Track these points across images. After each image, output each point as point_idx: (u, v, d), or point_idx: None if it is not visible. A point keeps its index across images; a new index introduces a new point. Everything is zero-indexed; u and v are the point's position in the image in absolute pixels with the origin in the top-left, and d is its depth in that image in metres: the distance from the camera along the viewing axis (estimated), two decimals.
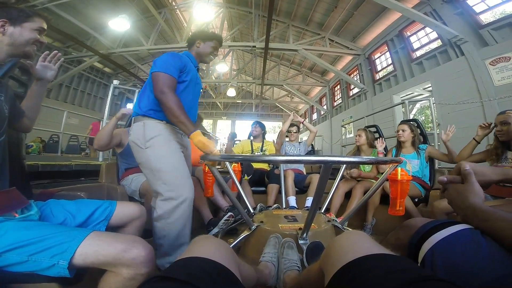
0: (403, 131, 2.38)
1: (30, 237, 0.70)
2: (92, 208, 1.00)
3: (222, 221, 1.80)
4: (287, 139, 3.16)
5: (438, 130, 4.14)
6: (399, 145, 2.45)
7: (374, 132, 2.93)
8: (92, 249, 0.71)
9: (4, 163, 0.87)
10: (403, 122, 2.51)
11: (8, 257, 0.68)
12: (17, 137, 1.17)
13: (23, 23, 0.92)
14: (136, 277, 0.73)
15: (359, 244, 0.54)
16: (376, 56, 8.17)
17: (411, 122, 2.54)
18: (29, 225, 0.76)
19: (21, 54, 0.94)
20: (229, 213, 1.85)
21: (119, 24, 6.70)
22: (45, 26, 0.99)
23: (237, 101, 16.23)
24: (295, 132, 3.10)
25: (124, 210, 1.06)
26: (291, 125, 3.12)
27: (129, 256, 0.71)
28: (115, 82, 4.07)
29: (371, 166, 2.56)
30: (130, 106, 12.46)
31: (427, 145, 2.37)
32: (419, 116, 11.40)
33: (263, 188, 2.79)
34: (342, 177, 2.32)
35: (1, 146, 0.86)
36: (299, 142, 3.17)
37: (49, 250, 0.69)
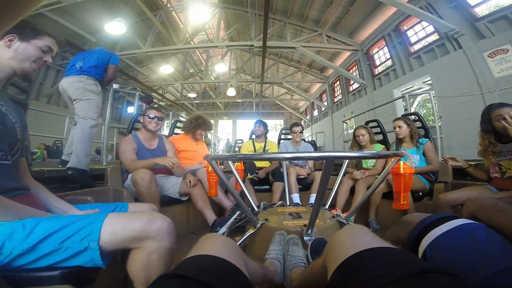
0: (399, 127, 2.38)
1: (56, 225, 0.74)
2: (109, 210, 1.06)
3: (231, 220, 1.82)
4: (290, 137, 3.11)
5: (439, 122, 4.13)
6: (399, 141, 2.45)
7: (375, 126, 2.93)
8: (118, 225, 0.75)
9: (19, 177, 0.93)
10: (398, 118, 2.49)
11: (42, 247, 0.71)
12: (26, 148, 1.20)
13: (32, 40, 0.94)
14: (159, 250, 0.77)
15: (359, 238, 0.55)
16: (374, 51, 8.13)
17: (412, 116, 2.54)
18: (52, 217, 0.81)
19: (18, 71, 0.94)
20: (238, 212, 1.87)
21: (115, 28, 6.69)
22: (54, 46, 1.00)
23: (238, 101, 16.23)
24: (300, 132, 2.99)
25: (136, 210, 1.11)
26: (296, 124, 3.07)
27: (153, 227, 0.76)
28: (115, 86, 4.07)
29: (374, 161, 2.56)
30: (131, 109, 12.47)
31: (427, 140, 2.36)
32: (421, 110, 11.36)
33: (267, 187, 2.80)
34: (346, 172, 2.32)
35: (15, 164, 0.90)
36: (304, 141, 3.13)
37: (77, 234, 0.73)
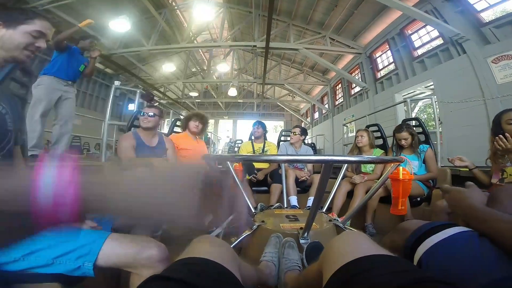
0: (405, 140, 2.34)
1: (50, 239, 0.72)
2: None
3: (227, 221, 1.80)
4: (288, 139, 3.11)
5: (440, 128, 4.12)
6: (398, 148, 2.43)
7: (376, 131, 2.92)
8: (113, 251, 0.74)
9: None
10: (401, 128, 2.39)
11: (31, 260, 0.69)
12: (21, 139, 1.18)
13: (19, 26, 0.86)
14: None
15: (357, 245, 0.54)
16: (377, 55, 8.13)
17: (410, 122, 2.52)
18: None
19: (9, 59, 0.88)
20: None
21: (120, 25, 6.72)
22: (47, 30, 0.92)
23: (239, 101, 16.24)
24: (297, 134, 2.95)
25: None
26: (295, 126, 3.07)
27: (144, 256, 0.75)
28: (117, 83, 4.07)
29: (373, 166, 2.54)
30: (131, 106, 12.48)
31: (428, 146, 2.34)
32: (422, 115, 11.35)
33: (265, 188, 2.79)
34: (344, 176, 2.31)
35: (7, 157, 0.86)
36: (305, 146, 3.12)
37: (73, 253, 0.71)
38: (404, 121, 2.59)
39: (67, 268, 0.71)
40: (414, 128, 2.44)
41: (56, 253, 0.71)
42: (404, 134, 2.35)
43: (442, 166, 2.52)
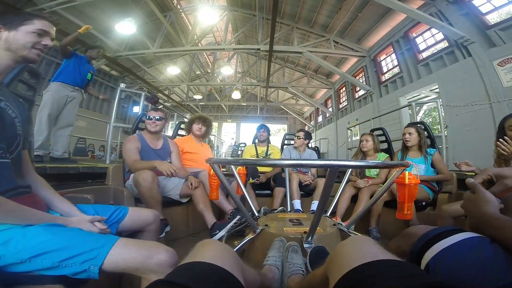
0: (410, 134, 2.34)
1: (59, 243, 0.72)
2: (109, 212, 1.05)
3: (231, 224, 1.80)
4: (292, 143, 3.11)
5: (446, 132, 4.08)
6: (405, 149, 2.41)
7: (381, 135, 2.90)
8: (120, 256, 0.73)
9: (22, 172, 0.91)
10: (410, 125, 2.46)
11: (37, 262, 0.69)
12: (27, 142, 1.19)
13: (19, 27, 0.88)
14: None
15: (364, 250, 0.53)
16: (381, 58, 8.10)
17: (418, 125, 2.51)
18: (57, 230, 0.77)
19: (20, 60, 0.90)
20: (238, 216, 1.85)
21: (126, 27, 6.78)
22: (48, 28, 0.94)
23: (242, 104, 16.27)
24: (301, 138, 2.95)
25: (138, 216, 1.12)
26: (299, 130, 3.06)
27: (154, 261, 0.74)
28: (122, 85, 4.10)
29: (377, 170, 2.52)
30: (136, 109, 12.59)
31: (435, 150, 2.33)
32: (426, 119, 11.25)
33: (268, 191, 2.78)
34: (348, 180, 2.30)
35: (16, 159, 0.87)
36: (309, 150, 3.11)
37: (79, 257, 0.71)
38: (410, 124, 2.57)
39: (72, 271, 0.70)
40: None
41: (62, 256, 0.70)
42: (411, 129, 2.35)
43: (450, 170, 2.49)
